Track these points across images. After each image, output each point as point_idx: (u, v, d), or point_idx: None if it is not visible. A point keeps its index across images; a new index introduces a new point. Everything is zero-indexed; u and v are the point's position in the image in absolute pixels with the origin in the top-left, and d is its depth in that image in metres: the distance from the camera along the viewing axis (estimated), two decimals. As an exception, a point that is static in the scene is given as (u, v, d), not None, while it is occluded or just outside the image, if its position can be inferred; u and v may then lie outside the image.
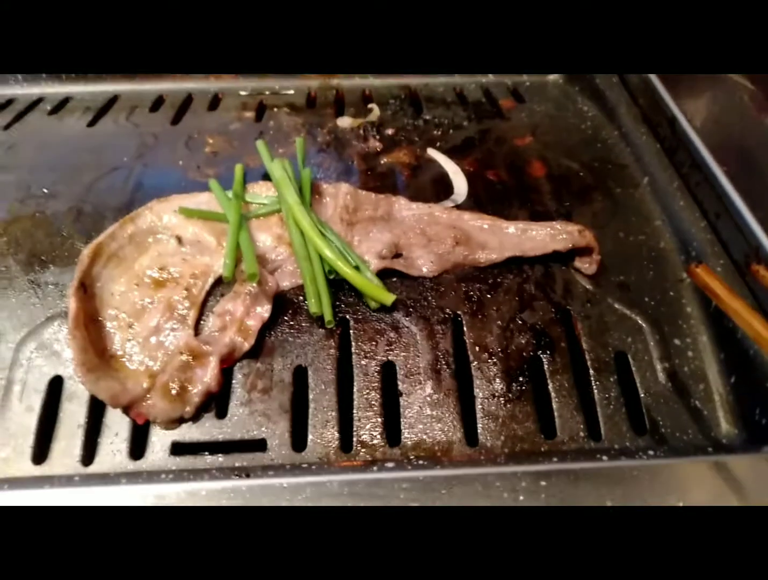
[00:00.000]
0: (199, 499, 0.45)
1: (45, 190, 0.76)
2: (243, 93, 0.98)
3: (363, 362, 0.61)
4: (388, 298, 0.62)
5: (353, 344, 0.62)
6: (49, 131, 0.87)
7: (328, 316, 0.61)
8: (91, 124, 0.89)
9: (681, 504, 0.41)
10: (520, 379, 0.61)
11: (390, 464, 0.51)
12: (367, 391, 0.60)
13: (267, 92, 0.98)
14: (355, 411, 0.58)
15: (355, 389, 0.60)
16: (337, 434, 0.57)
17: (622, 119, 0.86)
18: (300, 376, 0.61)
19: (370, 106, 0.92)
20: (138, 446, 0.56)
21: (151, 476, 0.50)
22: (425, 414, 0.58)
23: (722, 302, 0.51)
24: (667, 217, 0.73)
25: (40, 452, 0.56)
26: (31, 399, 0.58)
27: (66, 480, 0.50)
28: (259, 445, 0.56)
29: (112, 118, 0.90)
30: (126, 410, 0.57)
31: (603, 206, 0.76)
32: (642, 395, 0.60)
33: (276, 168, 0.71)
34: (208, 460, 0.55)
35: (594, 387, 0.60)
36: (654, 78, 0.83)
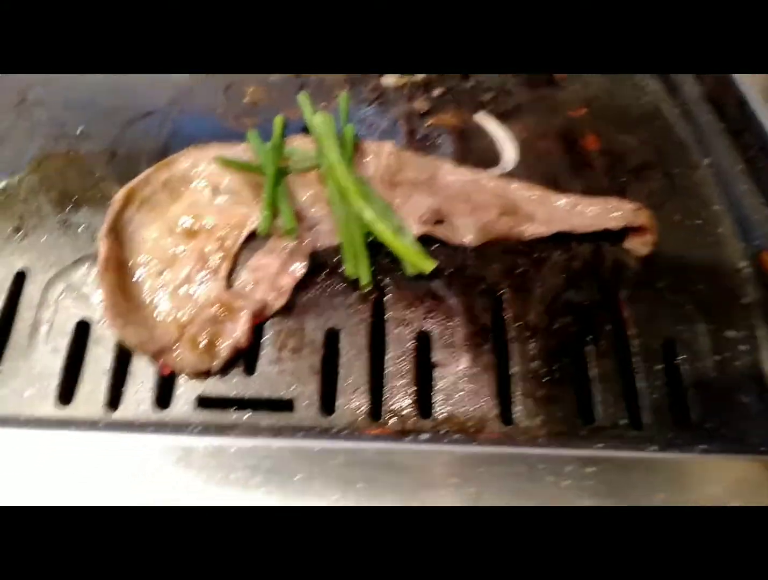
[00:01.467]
0: (227, 457, 0.43)
1: (79, 130, 0.74)
2: (286, 44, 0.94)
3: (397, 330, 0.59)
4: (428, 265, 0.59)
5: (388, 310, 0.60)
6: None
7: (364, 279, 0.59)
8: (130, 65, 0.86)
9: (740, 505, 0.39)
10: (561, 360, 0.58)
11: (424, 436, 0.49)
12: (400, 359, 0.57)
13: (310, 45, 0.94)
14: (386, 379, 0.56)
15: (387, 357, 0.57)
16: (367, 401, 0.55)
17: (685, 96, 0.81)
18: (332, 338, 0.58)
19: (417, 65, 0.87)
20: (163, 396, 0.55)
21: (178, 428, 0.49)
22: (459, 388, 0.56)
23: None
24: (727, 202, 0.69)
25: (65, 394, 0.55)
26: (57, 341, 0.57)
27: (91, 424, 0.49)
28: (287, 405, 0.54)
29: (151, 61, 0.87)
30: (153, 358, 0.55)
31: (659, 186, 0.71)
32: (688, 387, 0.56)
33: (318, 121, 0.68)
34: (233, 416, 0.53)
35: (638, 375, 0.57)
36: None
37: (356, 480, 0.41)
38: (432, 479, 0.41)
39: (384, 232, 0.60)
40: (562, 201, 0.66)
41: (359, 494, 0.40)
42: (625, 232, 0.65)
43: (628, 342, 0.59)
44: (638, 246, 0.64)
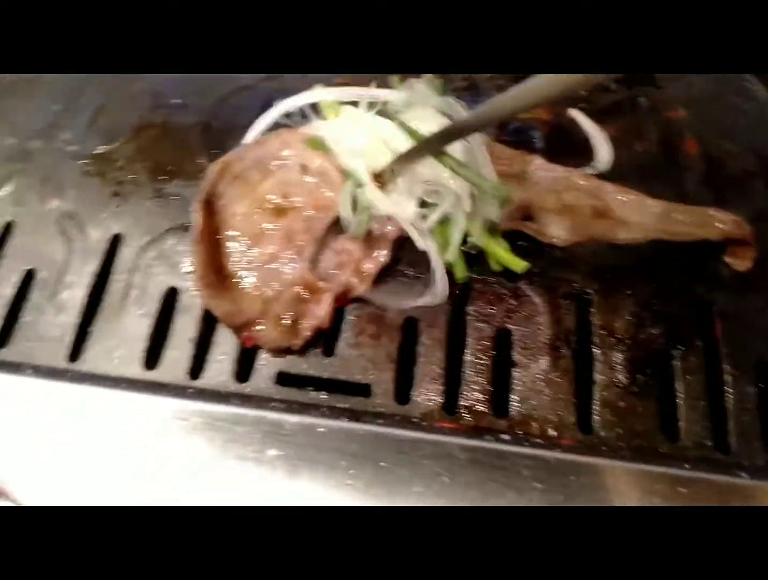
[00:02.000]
0: (316, 436, 0.44)
1: (176, 100, 0.75)
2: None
3: (478, 325, 0.58)
4: (519, 265, 0.58)
5: (469, 304, 0.59)
6: (183, 42, 0.86)
7: (459, 272, 0.58)
8: (224, 40, 0.87)
9: None
10: (647, 371, 0.56)
11: (505, 437, 0.48)
12: (479, 355, 0.57)
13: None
14: (463, 373, 0.56)
15: (466, 351, 0.57)
16: (441, 394, 0.55)
17: (796, 103, 0.76)
18: (411, 327, 0.58)
19: (510, 54, 0.85)
20: (244, 368, 0.56)
21: (261, 403, 0.50)
22: (537, 390, 0.55)
23: None
24: (838, 222, 0.65)
25: (151, 358, 0.57)
26: (147, 306, 0.59)
27: (180, 391, 0.51)
28: (363, 390, 0.55)
29: (245, 36, 0.88)
30: (237, 331, 0.57)
31: (761, 197, 0.68)
32: (783, 413, 0.54)
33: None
34: (311, 395, 0.54)
35: (728, 395, 0.55)
36: None
37: (441, 473, 0.41)
38: (518, 481, 0.41)
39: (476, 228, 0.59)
40: (659, 208, 0.63)
41: (444, 487, 0.40)
42: (724, 244, 0.62)
43: (719, 360, 0.57)
44: (737, 260, 0.61)
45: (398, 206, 0.60)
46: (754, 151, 0.72)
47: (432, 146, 0.56)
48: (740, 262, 0.61)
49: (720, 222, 0.61)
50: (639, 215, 0.63)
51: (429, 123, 0.64)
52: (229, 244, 0.60)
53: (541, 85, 0.41)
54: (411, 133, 0.61)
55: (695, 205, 0.63)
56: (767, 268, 0.61)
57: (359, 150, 0.62)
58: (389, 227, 0.62)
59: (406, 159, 0.58)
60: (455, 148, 0.60)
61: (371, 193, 0.60)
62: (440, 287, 0.58)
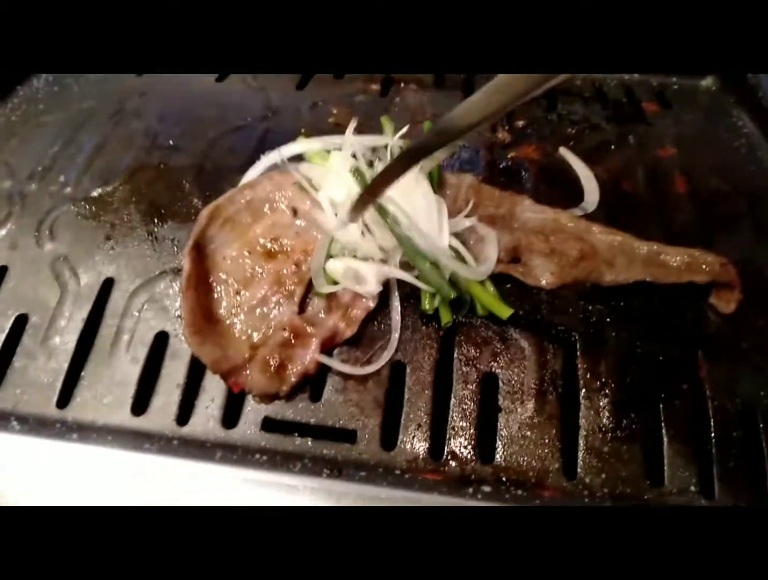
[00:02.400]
0: (296, 495, 0.44)
1: (170, 142, 0.77)
2: (370, 62, 0.95)
3: (464, 370, 0.59)
4: (505, 312, 0.58)
5: (456, 348, 0.60)
6: (179, 82, 0.87)
7: (445, 317, 0.59)
8: (220, 79, 0.89)
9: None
10: (632, 416, 0.56)
11: (486, 488, 0.48)
12: (465, 400, 0.57)
13: (394, 64, 0.94)
14: (449, 419, 0.56)
15: (452, 396, 0.57)
16: (428, 440, 0.55)
17: (785, 141, 0.77)
18: (398, 372, 0.59)
19: (501, 92, 0.86)
20: (231, 414, 0.57)
21: (245, 455, 0.50)
22: (523, 435, 0.55)
23: None
24: (825, 262, 0.65)
25: (140, 404, 0.57)
26: (137, 350, 0.60)
27: (165, 442, 0.51)
28: (350, 436, 0.55)
29: (240, 77, 0.90)
30: (224, 377, 0.57)
31: (750, 238, 0.68)
32: (768, 458, 0.54)
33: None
34: (297, 442, 0.54)
35: (713, 439, 0.55)
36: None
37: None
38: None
39: (461, 269, 0.60)
40: (645, 249, 0.63)
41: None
42: (710, 286, 0.62)
43: (705, 404, 0.57)
44: (723, 303, 0.61)
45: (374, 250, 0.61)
46: (744, 190, 0.73)
47: (396, 172, 0.54)
48: (725, 305, 0.61)
49: (706, 265, 0.62)
50: (625, 258, 0.63)
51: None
52: (218, 288, 0.61)
53: (499, 87, 0.38)
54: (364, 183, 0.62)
55: (682, 247, 0.64)
56: (752, 310, 0.61)
57: (339, 197, 0.63)
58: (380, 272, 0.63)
59: (372, 191, 0.57)
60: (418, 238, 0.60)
61: (348, 237, 0.61)
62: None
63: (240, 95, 0.86)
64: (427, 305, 0.60)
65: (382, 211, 0.60)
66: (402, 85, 0.89)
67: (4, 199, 0.70)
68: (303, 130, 0.75)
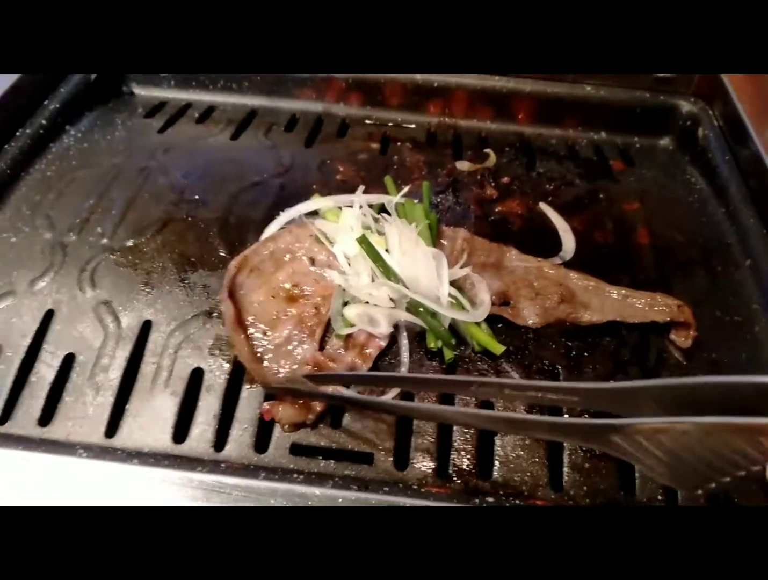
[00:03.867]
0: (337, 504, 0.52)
1: (196, 197, 0.86)
2: (368, 122, 1.05)
3: (465, 399, 0.68)
4: (498, 348, 0.68)
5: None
6: (198, 140, 0.97)
7: (448, 354, 0.68)
8: (234, 137, 0.99)
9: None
10: (608, 437, 0.65)
11: (489, 499, 0.57)
12: (466, 428, 0.66)
13: (390, 123, 1.05)
14: (453, 442, 0.65)
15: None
16: (435, 461, 0.64)
17: (730, 198, 0.89)
18: (408, 401, 0.67)
19: (486, 151, 0.98)
20: (262, 440, 0.64)
21: (284, 476, 0.58)
22: (516, 455, 0.64)
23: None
24: (765, 302, 0.76)
25: (180, 433, 0.65)
26: (176, 385, 0.67)
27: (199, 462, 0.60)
28: (367, 458, 0.63)
29: (252, 134, 0.99)
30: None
31: (703, 282, 0.79)
32: (722, 472, 0.63)
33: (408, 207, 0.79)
34: (322, 464, 0.63)
35: (677, 456, 0.64)
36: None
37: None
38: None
39: (463, 317, 0.69)
40: (615, 293, 0.74)
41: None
42: (669, 325, 0.73)
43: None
44: (681, 339, 0.72)
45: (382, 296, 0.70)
46: (697, 241, 0.85)
47: None
48: (683, 341, 0.72)
49: (666, 307, 0.72)
50: (599, 301, 0.74)
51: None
52: (250, 329, 0.69)
53: None
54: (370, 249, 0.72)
55: (646, 291, 0.75)
56: (706, 345, 0.72)
57: (350, 250, 0.73)
58: (391, 314, 0.72)
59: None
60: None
61: (360, 287, 0.70)
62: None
63: (253, 152, 0.95)
64: (432, 343, 0.69)
65: (387, 273, 0.70)
66: (398, 144, 1.00)
67: (48, 250, 0.78)
68: (315, 187, 0.85)
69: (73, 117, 0.98)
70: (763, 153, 0.86)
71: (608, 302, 0.74)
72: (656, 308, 0.73)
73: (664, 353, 0.72)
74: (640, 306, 0.73)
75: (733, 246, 0.84)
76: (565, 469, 0.63)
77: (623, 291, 0.74)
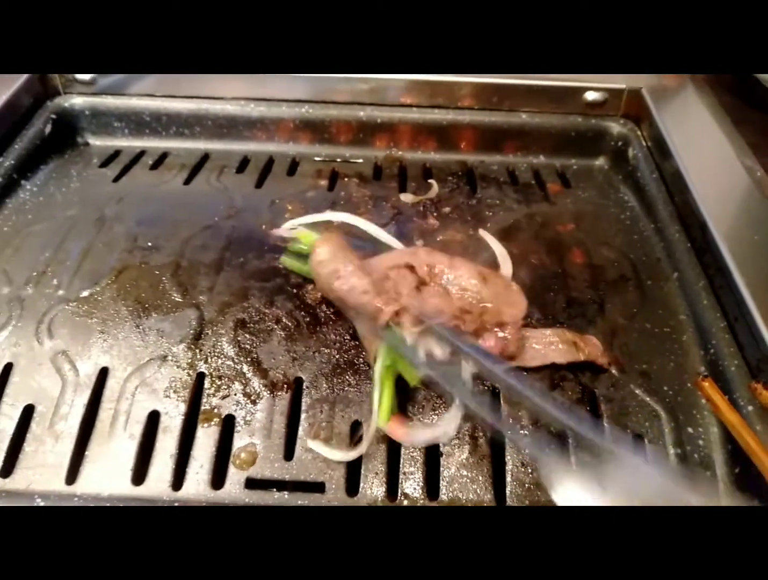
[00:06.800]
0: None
1: (149, 244, 0.89)
2: (317, 159, 1.10)
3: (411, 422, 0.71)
4: (415, 380, 0.71)
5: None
6: (151, 187, 1.00)
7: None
8: (187, 182, 1.02)
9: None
10: (546, 451, 0.69)
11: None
12: (412, 449, 0.69)
13: (338, 159, 1.10)
14: (401, 465, 0.68)
15: (402, 447, 0.69)
16: (384, 484, 0.67)
17: (658, 214, 0.94)
18: (356, 429, 0.71)
19: (430, 181, 1.02)
20: (218, 477, 0.67)
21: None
22: (461, 474, 0.68)
23: (722, 414, 0.59)
24: (691, 313, 0.81)
25: (138, 475, 0.67)
26: (133, 428, 0.70)
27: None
28: (319, 487, 0.66)
29: (205, 178, 1.03)
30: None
31: (634, 297, 0.84)
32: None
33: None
34: (276, 496, 0.66)
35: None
36: (689, 179, 0.91)
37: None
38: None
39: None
40: (540, 344, 0.76)
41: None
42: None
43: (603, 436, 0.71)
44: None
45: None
46: (628, 256, 0.90)
47: None
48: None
49: (588, 351, 0.75)
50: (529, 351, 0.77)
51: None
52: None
53: None
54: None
55: (574, 333, 0.77)
56: (636, 356, 0.77)
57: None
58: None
59: None
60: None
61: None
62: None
63: (205, 196, 0.99)
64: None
65: None
66: (346, 179, 1.04)
67: (5, 304, 0.80)
68: (264, 227, 0.89)
69: (29, 171, 1.01)
70: (683, 170, 0.92)
71: (537, 352, 0.76)
72: (579, 352, 0.75)
73: (599, 371, 0.76)
74: (564, 350, 0.75)
75: (662, 261, 0.89)
76: (508, 485, 0.67)
77: (548, 338, 0.76)
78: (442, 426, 0.70)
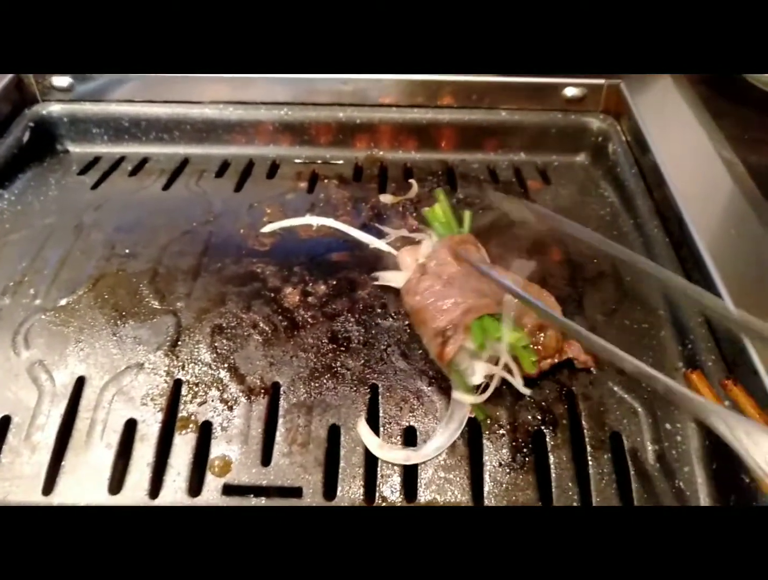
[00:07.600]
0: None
1: (127, 251, 0.89)
2: (298, 161, 1.10)
3: (388, 426, 0.71)
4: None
5: (381, 408, 0.72)
6: (130, 193, 1.00)
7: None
8: (166, 187, 1.02)
9: None
10: (524, 450, 0.69)
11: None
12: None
13: (319, 161, 1.10)
14: (378, 469, 0.68)
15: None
16: (362, 487, 0.67)
17: (638, 210, 0.94)
18: (334, 433, 0.71)
19: (410, 181, 1.02)
20: (196, 485, 0.67)
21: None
22: (439, 476, 0.68)
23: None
24: (669, 309, 0.81)
25: (115, 484, 0.67)
26: (110, 438, 0.70)
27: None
28: (296, 492, 0.66)
29: (184, 183, 1.03)
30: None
31: (612, 293, 0.84)
32: (632, 474, 0.67)
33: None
34: (253, 501, 0.65)
35: (589, 463, 0.68)
36: (666, 173, 0.91)
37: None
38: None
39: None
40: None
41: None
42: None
43: (582, 434, 0.70)
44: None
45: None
46: (605, 254, 0.89)
47: None
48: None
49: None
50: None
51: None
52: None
53: None
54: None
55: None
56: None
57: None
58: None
59: None
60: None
61: None
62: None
63: (184, 201, 0.99)
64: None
65: None
66: (326, 181, 1.04)
67: (-20, 316, 0.80)
68: (242, 232, 0.89)
69: (6, 180, 1.01)
70: (660, 165, 0.92)
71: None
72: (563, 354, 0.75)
73: (577, 369, 0.76)
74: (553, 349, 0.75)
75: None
76: (486, 486, 0.67)
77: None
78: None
